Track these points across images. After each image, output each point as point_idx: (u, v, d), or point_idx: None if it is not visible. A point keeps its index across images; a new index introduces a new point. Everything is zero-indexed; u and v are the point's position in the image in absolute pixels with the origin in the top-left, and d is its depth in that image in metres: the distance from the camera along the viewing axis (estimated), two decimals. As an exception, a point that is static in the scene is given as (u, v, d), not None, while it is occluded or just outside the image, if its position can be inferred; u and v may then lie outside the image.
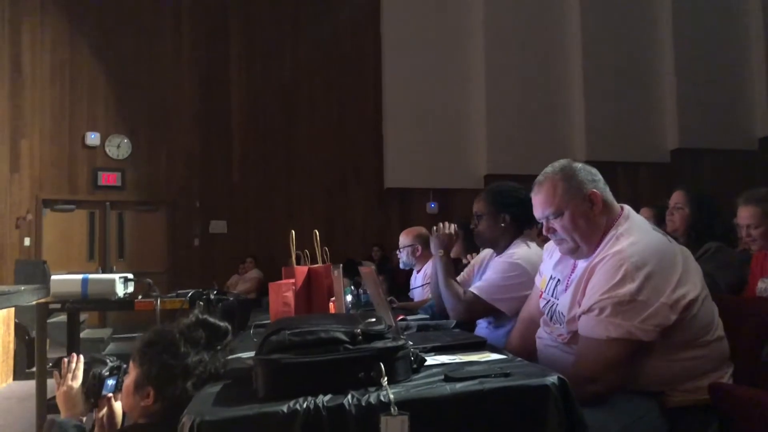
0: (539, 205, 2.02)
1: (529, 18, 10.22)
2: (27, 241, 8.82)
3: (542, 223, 2.04)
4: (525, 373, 1.53)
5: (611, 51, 10.22)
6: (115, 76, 9.38)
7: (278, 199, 9.80)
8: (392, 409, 1.36)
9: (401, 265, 4.30)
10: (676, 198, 3.35)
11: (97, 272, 6.44)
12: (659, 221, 3.54)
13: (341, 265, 2.48)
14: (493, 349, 1.85)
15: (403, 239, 4.16)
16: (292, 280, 2.53)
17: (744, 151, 10.56)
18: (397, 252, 4.27)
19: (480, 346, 1.90)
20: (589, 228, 1.94)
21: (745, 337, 2.12)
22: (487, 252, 2.94)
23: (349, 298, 2.95)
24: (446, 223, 2.86)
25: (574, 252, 1.99)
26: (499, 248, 2.75)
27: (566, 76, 10.31)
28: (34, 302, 6.09)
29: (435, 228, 2.85)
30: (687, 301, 1.79)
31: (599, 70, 10.16)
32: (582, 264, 1.98)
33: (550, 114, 10.20)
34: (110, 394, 1.86)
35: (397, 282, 6.19)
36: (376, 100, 10.23)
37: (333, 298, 2.51)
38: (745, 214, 2.95)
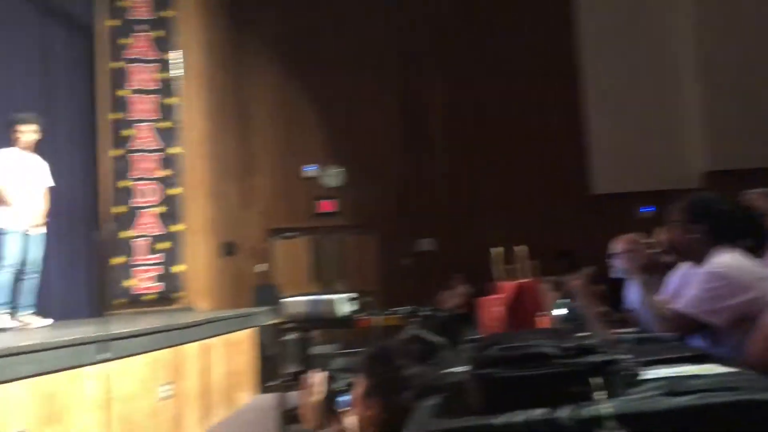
0: None
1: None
2: (261, 268, 9.80)
3: None
4: (757, 387, 1.43)
5: None
6: (326, 112, 10.13)
7: (484, 212, 9.86)
8: (609, 424, 1.35)
9: (615, 274, 4.13)
10: None
11: (320, 293, 6.96)
12: None
13: (552, 279, 2.48)
14: (719, 362, 1.75)
15: (619, 245, 3.99)
16: (501, 296, 2.58)
17: None
18: (610, 260, 4.11)
19: (703, 358, 1.80)
20: None
21: None
22: (685, 266, 2.78)
23: (560, 312, 2.92)
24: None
25: None
26: (696, 260, 2.60)
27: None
28: (270, 322, 6.78)
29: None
30: None
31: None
32: None
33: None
34: (345, 409, 2.02)
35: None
36: (577, 98, 9.92)
37: (543, 313, 2.52)
38: None
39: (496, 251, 2.49)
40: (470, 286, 9.02)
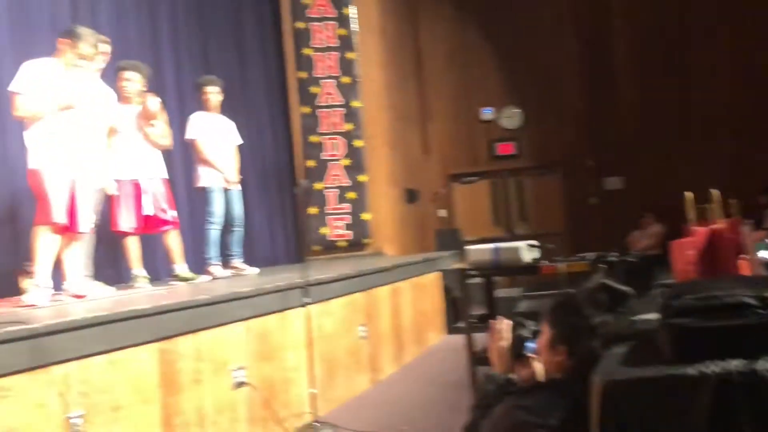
0: None
1: None
2: (442, 213, 10.00)
3: None
4: None
5: None
6: (502, 53, 9.91)
7: (674, 146, 9.20)
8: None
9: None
10: None
11: (503, 239, 7.01)
12: None
13: (752, 221, 2.32)
14: None
15: None
16: (695, 239, 2.46)
17: None
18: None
19: None
20: None
21: None
22: None
23: (764, 255, 2.72)
24: None
25: None
26: None
27: None
28: (454, 267, 6.97)
29: None
30: None
31: None
32: None
33: None
34: (531, 355, 2.08)
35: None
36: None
37: (743, 257, 2.37)
38: None
39: (688, 195, 2.36)
40: (663, 225, 8.57)
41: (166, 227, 5.19)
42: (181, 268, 5.28)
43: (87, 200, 4.14)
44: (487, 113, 10.06)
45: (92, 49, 4.15)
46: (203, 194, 5.73)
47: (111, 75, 5.02)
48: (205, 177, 5.71)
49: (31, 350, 2.44)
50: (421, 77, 10.20)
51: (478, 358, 3.86)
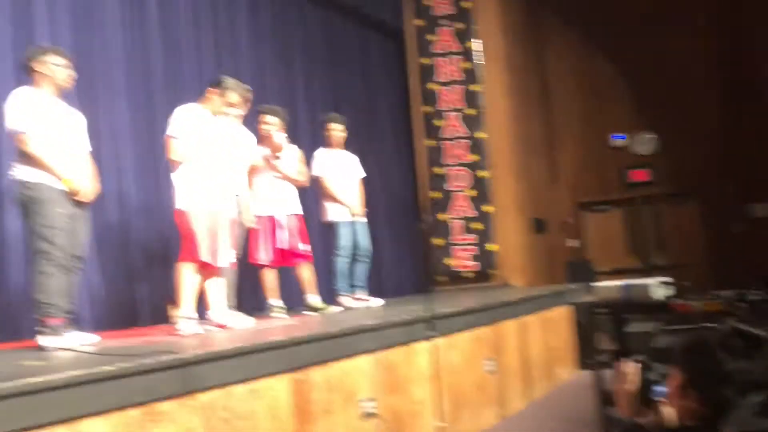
0: None
1: None
2: (573, 243, 9.74)
3: None
4: None
5: None
6: (633, 77, 9.59)
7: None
8: None
9: None
10: None
11: (635, 275, 6.71)
12: None
13: None
14: None
15: None
16: None
17: None
18: None
19: None
20: None
21: None
22: None
23: None
24: None
25: None
26: None
27: None
28: (585, 300, 6.78)
29: None
30: None
31: None
32: None
33: None
34: (661, 399, 2.02)
35: None
36: None
37: None
38: None
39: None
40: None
41: (299, 260, 5.46)
42: (313, 298, 5.53)
43: (228, 236, 4.45)
44: (619, 140, 9.76)
45: (238, 98, 4.53)
46: (331, 228, 5.96)
47: (252, 118, 5.40)
48: (331, 212, 5.93)
49: (181, 378, 2.67)
50: (547, 105, 10.09)
51: (608, 399, 3.73)
